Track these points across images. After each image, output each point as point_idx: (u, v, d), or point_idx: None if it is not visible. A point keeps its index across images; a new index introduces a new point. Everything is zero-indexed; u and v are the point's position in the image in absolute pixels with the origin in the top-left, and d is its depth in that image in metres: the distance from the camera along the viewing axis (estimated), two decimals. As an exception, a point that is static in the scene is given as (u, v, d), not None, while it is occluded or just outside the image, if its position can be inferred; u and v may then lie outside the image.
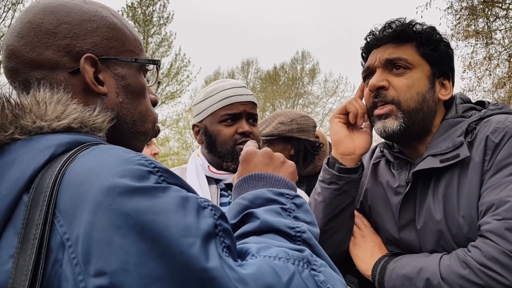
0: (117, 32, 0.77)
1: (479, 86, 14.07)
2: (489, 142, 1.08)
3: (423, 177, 1.15)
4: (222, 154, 1.47)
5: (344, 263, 1.27)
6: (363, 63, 1.29)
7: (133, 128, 0.78)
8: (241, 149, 1.33)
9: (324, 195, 1.22)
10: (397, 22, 1.22)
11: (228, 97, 1.48)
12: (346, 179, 1.19)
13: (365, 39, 1.27)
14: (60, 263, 0.52)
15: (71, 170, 0.57)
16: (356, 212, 1.31)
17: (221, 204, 1.47)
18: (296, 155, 2.18)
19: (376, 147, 1.41)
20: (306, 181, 2.27)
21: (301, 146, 2.17)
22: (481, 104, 1.26)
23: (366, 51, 1.27)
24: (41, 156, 0.60)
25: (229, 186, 1.50)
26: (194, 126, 1.59)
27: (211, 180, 1.50)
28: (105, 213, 0.51)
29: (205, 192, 1.45)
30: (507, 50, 13.48)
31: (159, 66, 0.87)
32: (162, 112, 20.23)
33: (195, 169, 1.51)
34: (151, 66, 0.85)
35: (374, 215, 1.29)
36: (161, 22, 18.85)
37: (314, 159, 2.26)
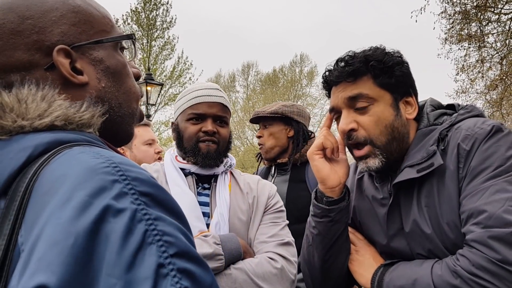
0: (83, 14, 0.72)
1: (472, 88, 14.14)
2: (460, 150, 1.09)
3: (404, 188, 1.17)
4: (186, 150, 1.53)
5: (347, 279, 1.30)
6: (328, 96, 1.30)
7: (120, 112, 0.74)
8: (203, 146, 1.51)
9: (319, 229, 1.24)
10: (347, 57, 1.21)
11: (196, 97, 1.55)
12: (337, 210, 1.21)
13: (323, 77, 1.28)
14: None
15: (41, 178, 0.54)
16: (349, 228, 1.32)
17: (199, 194, 1.52)
18: (296, 137, 2.35)
19: None
20: (290, 167, 2.37)
21: (300, 128, 2.36)
22: (452, 107, 1.27)
23: (327, 88, 1.29)
24: (18, 158, 0.57)
25: (202, 180, 1.56)
26: (172, 123, 1.66)
27: (184, 172, 1.56)
28: (51, 227, 0.47)
29: (182, 180, 1.51)
30: (499, 53, 13.46)
31: (135, 39, 0.81)
32: (165, 114, 20.58)
33: (170, 161, 1.59)
34: (127, 41, 0.79)
35: (364, 229, 1.32)
36: (164, 26, 19.25)
37: (303, 147, 2.37)
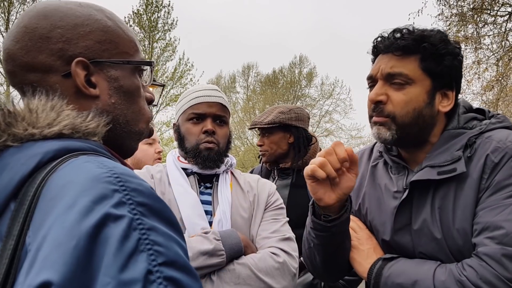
0: (110, 34, 0.77)
1: (468, 89, 14.10)
2: (488, 161, 1.08)
3: (420, 186, 1.16)
4: (188, 150, 1.57)
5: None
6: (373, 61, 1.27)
7: (126, 128, 0.79)
8: (204, 147, 1.54)
9: (321, 240, 1.23)
10: (405, 30, 1.18)
11: (196, 98, 1.59)
12: (337, 225, 1.18)
13: (373, 42, 1.25)
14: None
15: (49, 184, 0.58)
16: (351, 216, 1.30)
17: (201, 193, 1.56)
18: (296, 142, 2.35)
19: (373, 146, 1.40)
20: (293, 174, 2.36)
21: (300, 133, 2.36)
22: (481, 112, 1.25)
23: (374, 53, 1.26)
24: (28, 163, 0.61)
25: (204, 180, 1.60)
26: (174, 124, 1.70)
27: (186, 172, 1.60)
28: (56, 229, 0.51)
29: (184, 179, 1.56)
30: (495, 55, 13.53)
31: (154, 67, 0.86)
32: (166, 114, 20.74)
33: (172, 161, 1.63)
34: (146, 67, 0.84)
35: (370, 217, 1.30)
36: (166, 28, 19.41)
37: (307, 153, 2.36)
